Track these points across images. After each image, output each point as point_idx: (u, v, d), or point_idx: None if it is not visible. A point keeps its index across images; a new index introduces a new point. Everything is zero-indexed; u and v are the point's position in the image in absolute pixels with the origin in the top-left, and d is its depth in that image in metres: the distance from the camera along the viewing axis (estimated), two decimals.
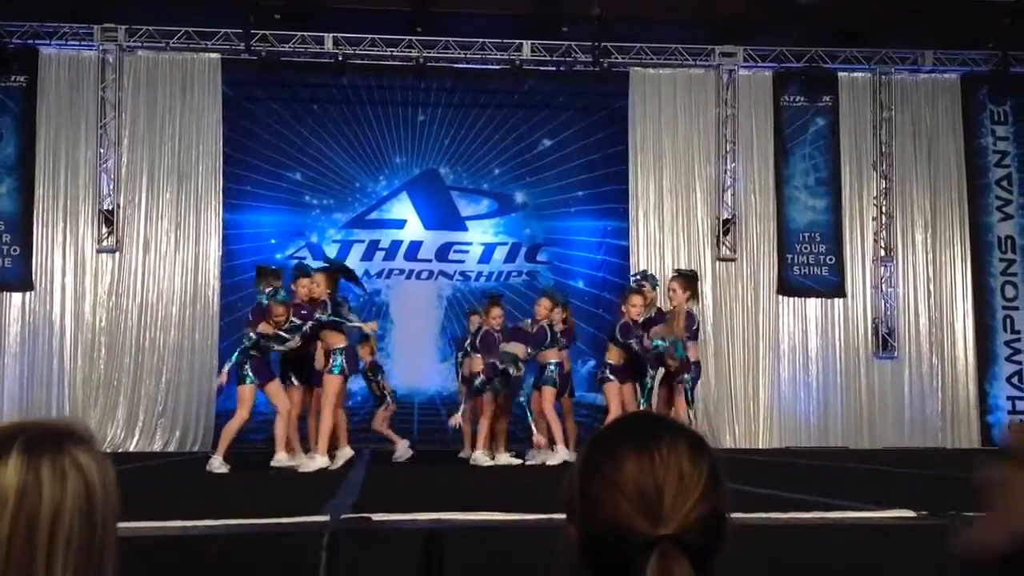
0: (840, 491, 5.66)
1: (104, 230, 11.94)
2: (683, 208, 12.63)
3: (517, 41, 12.44)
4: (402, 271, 12.76)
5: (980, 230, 12.84)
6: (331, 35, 12.30)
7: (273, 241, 12.65)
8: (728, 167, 12.60)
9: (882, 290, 12.60)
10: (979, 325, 12.58)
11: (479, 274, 12.75)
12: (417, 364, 12.13)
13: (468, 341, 9.58)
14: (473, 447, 9.07)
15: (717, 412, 12.14)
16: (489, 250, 12.86)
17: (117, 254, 11.96)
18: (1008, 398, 12.41)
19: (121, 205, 12.00)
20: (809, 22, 12.06)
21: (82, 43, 12.10)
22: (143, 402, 11.66)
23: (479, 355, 8.93)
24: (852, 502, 4.69)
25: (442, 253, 12.82)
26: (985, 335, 12.62)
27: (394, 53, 12.39)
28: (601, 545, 1.30)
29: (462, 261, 12.78)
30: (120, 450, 11.23)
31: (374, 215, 12.83)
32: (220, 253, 12.14)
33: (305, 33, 12.30)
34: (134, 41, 12.14)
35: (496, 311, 8.96)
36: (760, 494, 5.22)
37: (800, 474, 7.87)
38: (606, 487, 1.30)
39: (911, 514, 4.12)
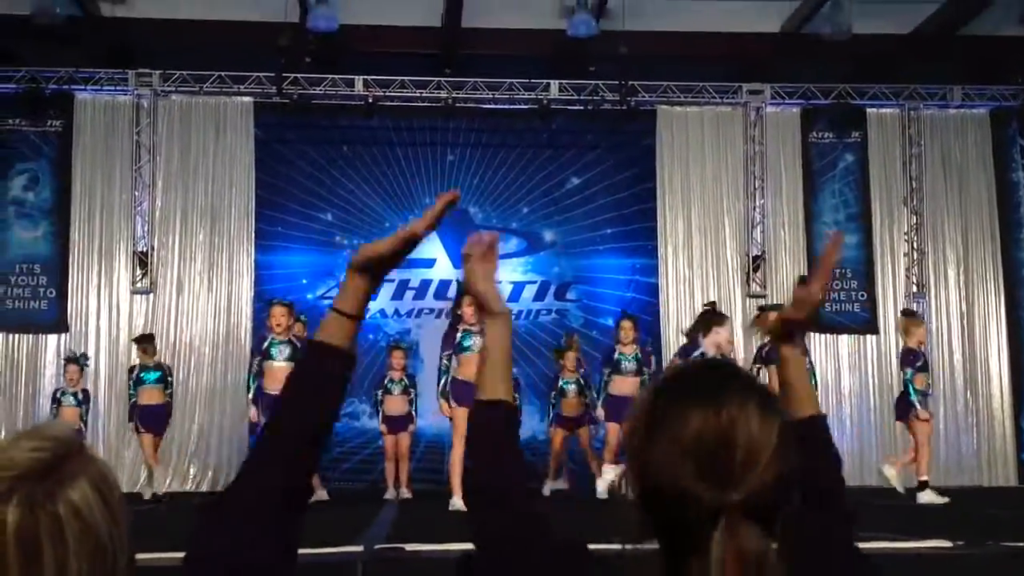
0: (879, 524, 5.60)
1: (138, 272, 12.07)
2: (712, 245, 12.62)
3: (544, 81, 12.54)
4: (432, 310, 12.80)
5: (1013, 265, 12.73)
6: (361, 77, 12.46)
7: (304, 281, 12.74)
8: (757, 204, 12.59)
9: None
10: (1014, 361, 12.43)
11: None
12: None
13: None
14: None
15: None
16: (518, 288, 12.88)
17: (151, 295, 12.08)
18: None
19: (155, 247, 12.14)
20: (836, 58, 12.08)
21: (117, 88, 12.30)
22: (176, 442, 11.70)
23: None
24: (892, 533, 4.64)
25: None
26: (1020, 371, 12.47)
27: (423, 94, 12.52)
28: (662, 510, 1.20)
29: None
30: (146, 494, 11.25)
31: None
32: (252, 294, 12.23)
33: (335, 76, 12.46)
34: (168, 85, 12.34)
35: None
36: None
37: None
38: (669, 444, 1.20)
39: (948, 544, 4.09)
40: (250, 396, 8.75)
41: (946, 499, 8.70)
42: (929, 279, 12.64)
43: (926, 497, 8.67)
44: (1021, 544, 4.38)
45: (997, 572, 3.84)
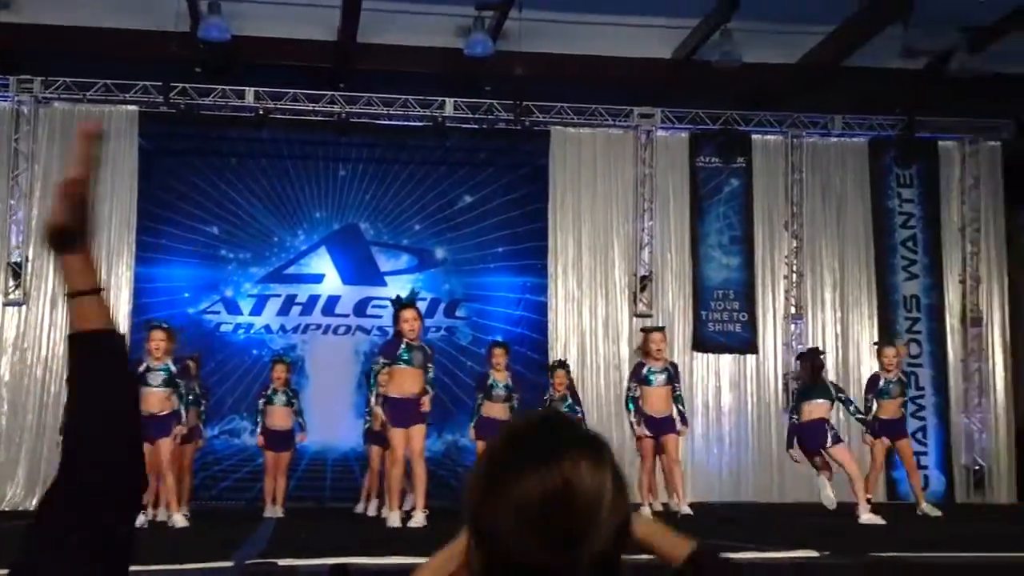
0: (751, 536, 5.72)
1: (11, 283, 11.67)
2: (601, 265, 12.79)
3: (440, 99, 12.56)
4: (319, 326, 12.65)
5: (886, 289, 13.19)
6: (252, 89, 12.30)
7: (187, 295, 12.46)
8: (645, 225, 12.81)
9: (792, 347, 12.84)
10: None
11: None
12: (332, 421, 11.95)
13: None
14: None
15: (632, 466, 12.16)
16: (395, 307, 12.79)
17: (23, 307, 11.68)
18: (914, 454, 12.62)
19: (30, 258, 11.76)
20: (725, 85, 12.40)
21: None
22: (45, 460, 11.28)
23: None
24: (762, 544, 4.75)
25: (360, 308, 12.76)
26: None
27: (316, 108, 12.42)
28: (508, 572, 1.20)
29: (380, 316, 12.70)
30: (20, 508, 10.86)
31: (292, 269, 12.73)
32: (130, 307, 11.93)
33: (225, 87, 12.28)
34: (50, 92, 11.99)
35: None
36: None
37: (713, 523, 7.93)
38: (508, 510, 1.19)
39: (815, 554, 4.20)
40: None
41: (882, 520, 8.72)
42: (807, 301, 13.02)
43: (867, 517, 8.76)
44: (886, 554, 4.52)
45: None
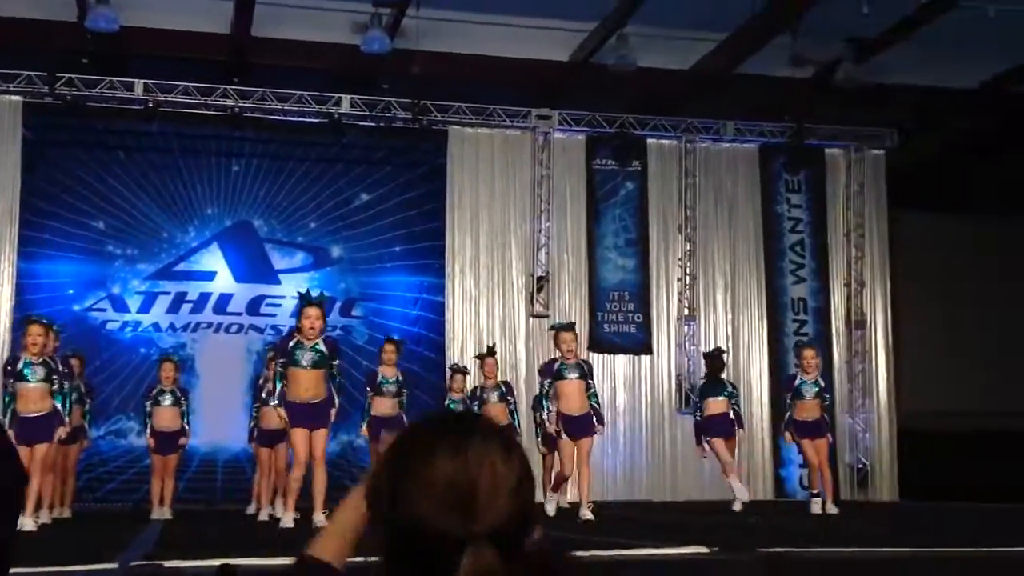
0: (644, 534, 5.79)
1: None
2: (499, 265, 12.83)
3: (336, 95, 12.43)
4: (210, 324, 12.39)
5: (776, 292, 13.52)
6: (141, 81, 11.98)
7: (71, 291, 12.08)
8: (542, 226, 12.89)
9: (685, 348, 13.07)
10: (774, 383, 13.12)
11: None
12: (222, 421, 11.71)
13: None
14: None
15: (537, 464, 12.25)
16: (301, 302, 12.61)
17: None
18: (799, 452, 12.94)
19: None
20: (621, 89, 12.54)
21: None
22: None
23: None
24: (654, 541, 4.81)
25: (253, 307, 12.53)
26: (779, 393, 13.21)
27: (208, 102, 12.16)
28: (411, 545, 1.26)
29: (274, 315, 12.51)
30: None
31: (182, 266, 12.44)
32: (12, 304, 11.52)
33: (114, 78, 11.93)
34: None
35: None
36: (565, 538, 5.27)
37: (604, 521, 8.00)
38: (417, 486, 1.27)
39: (705, 550, 4.27)
40: (6, 419, 8.15)
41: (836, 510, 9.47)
42: (700, 303, 13.26)
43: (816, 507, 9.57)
44: (774, 550, 4.61)
45: (750, 573, 4.05)
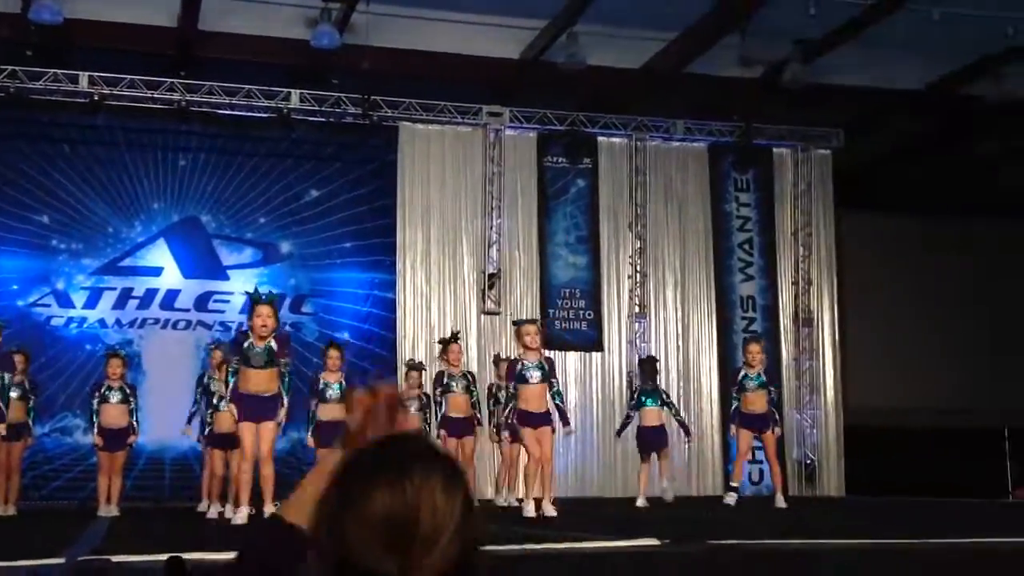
0: (598, 527, 5.82)
1: None
2: (450, 262, 12.80)
3: (285, 90, 12.33)
4: (157, 320, 12.23)
5: (725, 289, 13.65)
6: (86, 74, 11.79)
7: (15, 287, 11.87)
8: (494, 223, 12.88)
9: (636, 345, 13.14)
10: (723, 379, 13.23)
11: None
12: (170, 419, 11.54)
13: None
14: None
15: (479, 462, 12.23)
16: (250, 301, 12.50)
17: None
18: (756, 449, 13.07)
19: None
20: (571, 87, 12.58)
21: None
22: None
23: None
24: (605, 535, 4.84)
25: (201, 303, 12.39)
26: (728, 389, 13.33)
27: (154, 95, 12.00)
28: None
29: (223, 311, 12.38)
30: None
31: (128, 262, 12.26)
32: None
33: (58, 71, 11.74)
34: None
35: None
36: (517, 532, 5.28)
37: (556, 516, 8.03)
38: (354, 520, 1.22)
39: (656, 542, 4.30)
40: None
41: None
42: (650, 300, 13.34)
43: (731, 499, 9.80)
44: (724, 542, 4.66)
45: (700, 565, 4.09)
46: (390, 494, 1.22)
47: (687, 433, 11.02)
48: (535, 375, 8.26)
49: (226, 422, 8.62)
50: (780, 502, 9.80)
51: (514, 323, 9.48)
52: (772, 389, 10.27)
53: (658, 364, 11.45)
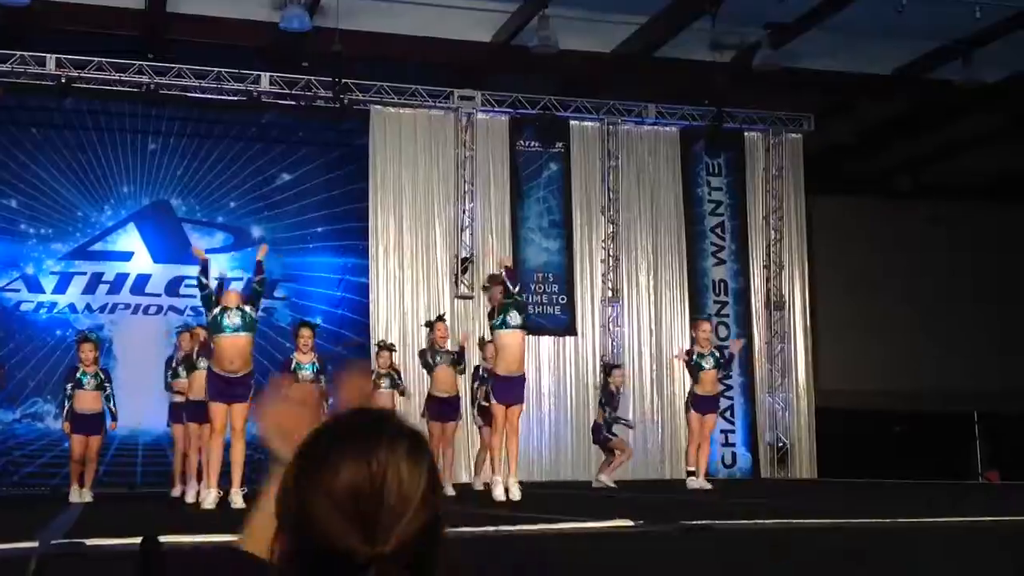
0: (570, 509, 5.85)
1: None
2: (423, 246, 12.77)
3: (255, 73, 12.23)
4: (128, 305, 12.15)
5: (697, 273, 13.70)
6: (54, 56, 11.65)
7: None
8: (466, 207, 12.86)
9: (609, 329, 13.17)
10: None
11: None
12: (142, 403, 11.47)
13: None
14: None
15: (456, 445, 12.23)
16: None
17: None
18: (721, 431, 13.18)
19: None
20: (544, 71, 12.55)
21: None
22: None
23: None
24: (579, 516, 4.86)
25: (172, 287, 12.31)
26: None
27: (123, 78, 11.88)
28: (314, 563, 1.20)
29: (194, 296, 12.24)
30: None
31: (98, 246, 12.16)
32: None
33: (25, 53, 11.59)
34: None
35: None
36: (490, 515, 5.30)
37: (529, 499, 8.06)
38: (320, 495, 1.21)
39: (630, 523, 4.33)
40: None
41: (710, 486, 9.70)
42: (623, 284, 13.37)
43: (694, 483, 9.70)
44: (695, 522, 4.69)
45: (673, 544, 4.12)
46: (356, 466, 1.21)
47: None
48: (516, 318, 8.51)
49: (197, 385, 8.55)
50: (704, 483, 9.69)
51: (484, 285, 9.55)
52: (727, 369, 10.36)
53: (616, 369, 11.55)
